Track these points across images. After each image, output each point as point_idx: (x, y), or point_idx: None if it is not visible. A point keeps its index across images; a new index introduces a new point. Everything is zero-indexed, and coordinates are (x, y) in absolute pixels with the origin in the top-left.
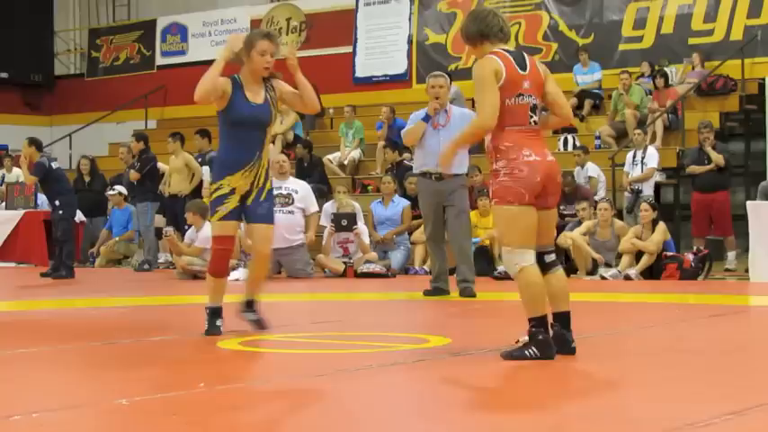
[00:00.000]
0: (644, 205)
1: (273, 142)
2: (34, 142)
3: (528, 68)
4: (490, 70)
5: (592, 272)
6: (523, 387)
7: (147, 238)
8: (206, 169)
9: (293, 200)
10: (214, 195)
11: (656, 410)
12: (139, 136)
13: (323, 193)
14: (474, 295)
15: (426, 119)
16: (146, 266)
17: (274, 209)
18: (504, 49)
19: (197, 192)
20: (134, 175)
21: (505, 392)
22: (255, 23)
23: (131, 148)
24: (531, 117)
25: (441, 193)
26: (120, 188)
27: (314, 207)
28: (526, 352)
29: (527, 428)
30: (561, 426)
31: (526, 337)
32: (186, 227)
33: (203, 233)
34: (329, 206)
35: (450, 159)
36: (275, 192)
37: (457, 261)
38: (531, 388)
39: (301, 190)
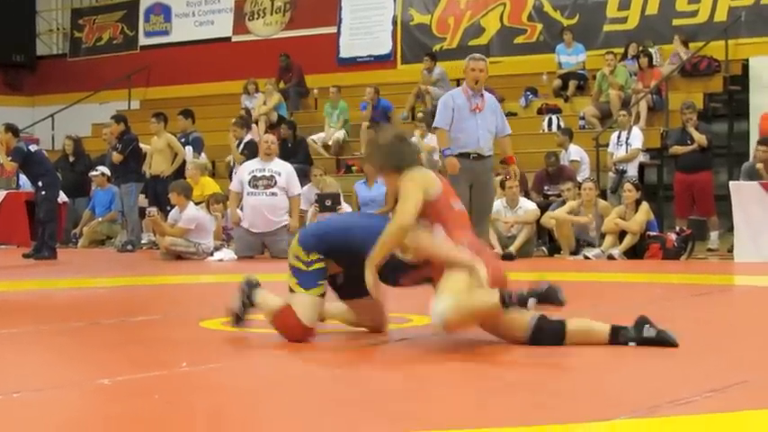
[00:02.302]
0: (627, 185)
1: (257, 123)
2: (10, 128)
3: None
4: (421, 178)
5: (575, 252)
6: (502, 366)
7: (131, 219)
8: (189, 149)
9: (276, 182)
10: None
11: (637, 388)
12: (118, 118)
13: (307, 174)
14: None
15: (446, 154)
16: (129, 247)
17: (257, 191)
18: None
19: (180, 172)
20: (117, 157)
21: (483, 371)
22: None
23: (111, 130)
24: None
25: (476, 172)
26: (103, 169)
27: (297, 189)
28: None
29: (505, 407)
30: (541, 404)
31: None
32: (169, 207)
33: (187, 214)
34: (307, 190)
35: (375, 285)
36: (258, 174)
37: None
38: (510, 367)
39: (284, 172)
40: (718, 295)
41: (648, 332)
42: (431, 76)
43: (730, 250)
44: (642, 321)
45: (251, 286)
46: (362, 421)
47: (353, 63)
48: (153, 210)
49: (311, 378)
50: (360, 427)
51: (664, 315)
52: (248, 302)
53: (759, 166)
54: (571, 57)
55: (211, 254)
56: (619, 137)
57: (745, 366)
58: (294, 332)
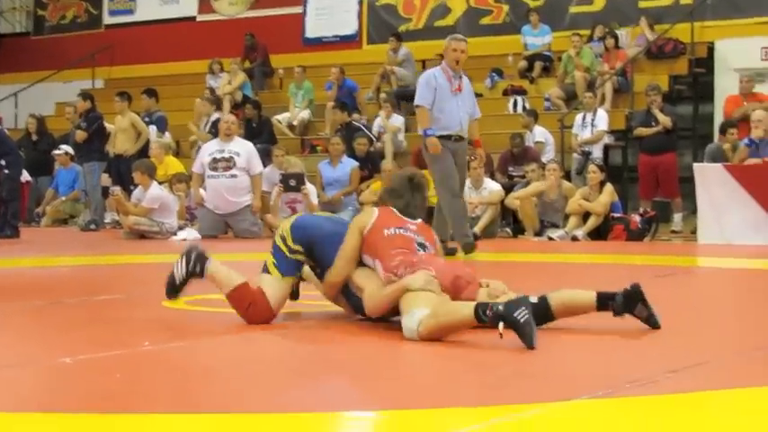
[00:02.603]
0: (592, 167)
1: (221, 102)
2: None
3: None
4: (358, 219)
5: (539, 233)
6: (466, 346)
7: (94, 198)
8: (153, 128)
9: (235, 163)
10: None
11: (597, 369)
12: (85, 95)
13: (271, 155)
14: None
15: (427, 135)
16: (92, 226)
17: (217, 173)
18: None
19: (143, 152)
20: (81, 135)
21: (448, 351)
22: None
23: (77, 107)
24: (419, 250)
25: (457, 154)
26: (66, 148)
27: (258, 168)
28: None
29: (466, 387)
30: (500, 384)
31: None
32: (132, 186)
33: (150, 193)
34: (269, 171)
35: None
36: (218, 156)
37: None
38: (473, 347)
39: (243, 151)
40: (680, 276)
41: (640, 312)
42: (396, 56)
43: (694, 232)
44: (635, 295)
45: (201, 256)
46: (328, 399)
47: (319, 43)
48: (116, 189)
49: (277, 356)
50: (326, 405)
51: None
52: (197, 272)
53: (726, 146)
54: (537, 38)
55: (175, 233)
56: (584, 118)
57: (706, 347)
58: (260, 315)
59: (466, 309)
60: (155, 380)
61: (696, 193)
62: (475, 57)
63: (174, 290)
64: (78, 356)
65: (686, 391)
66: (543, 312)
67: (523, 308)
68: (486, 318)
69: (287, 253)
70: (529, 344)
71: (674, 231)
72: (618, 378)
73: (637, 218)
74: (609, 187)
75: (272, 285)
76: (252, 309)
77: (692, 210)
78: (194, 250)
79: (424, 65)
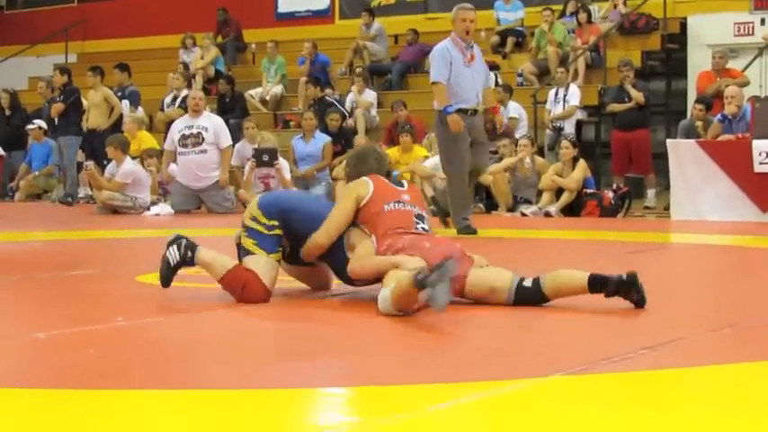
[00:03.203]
0: (564, 143)
1: (194, 77)
2: None
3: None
4: (354, 186)
5: (512, 208)
6: (442, 323)
7: (71, 173)
8: (125, 103)
9: (203, 138)
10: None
11: (572, 346)
12: (63, 69)
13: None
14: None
15: (447, 112)
16: (69, 200)
17: (186, 150)
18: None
19: (116, 126)
20: (58, 107)
21: (423, 328)
22: None
23: (54, 81)
24: (418, 224)
25: (475, 129)
26: (39, 122)
27: (226, 141)
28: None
29: (440, 363)
30: (476, 361)
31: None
32: (106, 161)
33: (124, 168)
34: (241, 146)
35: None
36: (187, 132)
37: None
38: (449, 324)
39: (212, 126)
40: (654, 253)
41: (631, 296)
42: (369, 31)
43: (667, 208)
44: (630, 284)
45: (190, 244)
46: (303, 375)
47: (291, 18)
48: (90, 164)
49: (251, 332)
50: (301, 381)
51: (598, 272)
52: (189, 259)
53: (698, 123)
54: (509, 13)
55: (148, 208)
56: (556, 94)
57: (680, 324)
58: (255, 294)
59: (408, 276)
60: (128, 356)
61: (669, 169)
62: (447, 32)
63: (168, 278)
64: (52, 332)
65: (661, 368)
66: (537, 294)
67: (441, 270)
68: (417, 284)
69: (264, 231)
70: (433, 307)
71: (647, 207)
72: (593, 355)
73: (610, 194)
74: (582, 163)
75: (261, 264)
76: (246, 289)
77: (665, 186)
78: (182, 238)
79: (397, 40)
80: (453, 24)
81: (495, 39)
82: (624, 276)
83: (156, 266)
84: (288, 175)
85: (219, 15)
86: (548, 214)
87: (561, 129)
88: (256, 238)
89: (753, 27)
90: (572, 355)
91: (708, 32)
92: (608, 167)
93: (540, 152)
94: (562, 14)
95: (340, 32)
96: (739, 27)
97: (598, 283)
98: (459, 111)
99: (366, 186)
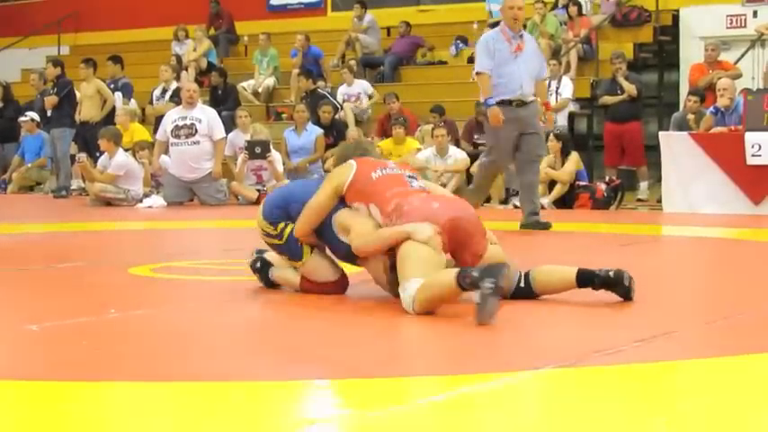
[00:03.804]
0: (551, 136)
1: (186, 69)
2: None
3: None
4: (335, 172)
5: (505, 201)
6: (435, 316)
7: (65, 165)
8: (118, 95)
9: (197, 129)
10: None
11: (565, 338)
12: (56, 61)
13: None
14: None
15: (488, 105)
16: (63, 192)
17: (179, 141)
18: None
19: (109, 119)
20: (52, 100)
21: (416, 320)
22: None
23: (47, 73)
24: (412, 182)
25: (522, 120)
26: (32, 114)
27: (220, 133)
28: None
29: (432, 356)
30: (468, 353)
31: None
32: (98, 154)
33: (116, 160)
34: (234, 136)
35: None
36: (180, 123)
37: (526, 189)
38: (442, 317)
39: (205, 118)
40: (646, 245)
41: (619, 290)
42: (361, 23)
43: (659, 200)
44: (617, 281)
45: (263, 267)
46: (294, 367)
47: (284, 10)
48: (82, 156)
49: (244, 324)
50: (291, 373)
51: (592, 264)
52: (268, 283)
53: (690, 117)
54: (501, 5)
55: (141, 200)
56: (549, 86)
57: (672, 317)
58: (326, 289)
59: (449, 276)
60: (121, 347)
61: (661, 161)
62: (439, 24)
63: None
64: (44, 324)
65: (654, 360)
66: (525, 290)
67: (492, 279)
68: (465, 285)
69: (280, 242)
70: (479, 319)
71: (639, 200)
72: (585, 347)
73: (602, 186)
74: (574, 155)
75: (308, 270)
76: (322, 290)
77: (657, 178)
78: (257, 270)
79: (389, 32)
80: (502, 12)
81: (488, 31)
82: (612, 273)
83: (149, 258)
84: (280, 168)
85: (212, 7)
86: (540, 207)
87: (554, 121)
88: (284, 251)
89: (745, 19)
90: (564, 347)
91: (700, 25)
92: (600, 160)
93: None
94: (554, 7)
95: (332, 25)
96: (732, 19)
97: (586, 279)
98: (503, 102)
99: (348, 168)
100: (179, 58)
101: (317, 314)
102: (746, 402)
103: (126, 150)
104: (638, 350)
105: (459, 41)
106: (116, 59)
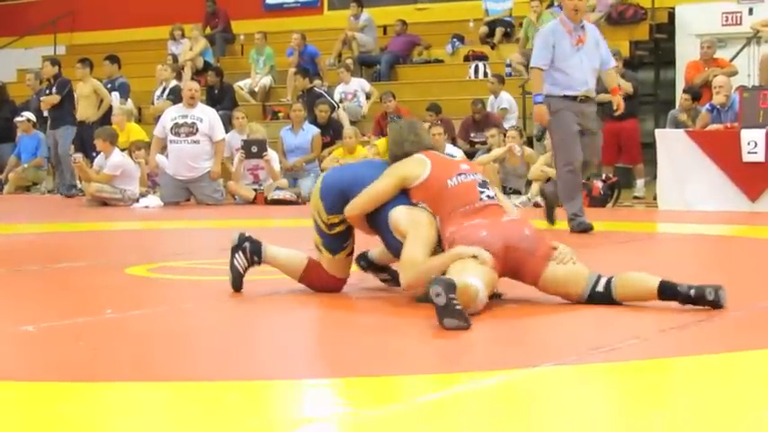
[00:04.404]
0: (547, 134)
1: (183, 69)
2: None
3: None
4: (401, 166)
5: None
6: (426, 314)
7: (67, 163)
8: (115, 95)
9: (197, 128)
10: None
11: (563, 336)
12: (53, 60)
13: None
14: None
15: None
16: (73, 191)
17: (179, 139)
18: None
19: (106, 118)
20: (53, 99)
21: (407, 319)
22: None
23: (44, 71)
24: (483, 192)
25: (585, 116)
26: (28, 114)
27: (220, 134)
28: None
29: (428, 354)
30: (465, 352)
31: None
32: (95, 153)
33: (112, 160)
34: (230, 137)
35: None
36: (180, 121)
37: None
38: (432, 317)
39: (206, 117)
40: (642, 243)
41: (709, 295)
42: (357, 22)
43: (656, 198)
44: (699, 298)
45: (255, 249)
46: (289, 367)
47: (280, 9)
48: (78, 156)
49: (240, 324)
50: (286, 372)
51: (588, 262)
52: (256, 261)
53: (682, 116)
54: (498, 3)
55: (137, 200)
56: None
57: (668, 314)
58: (328, 285)
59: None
60: (117, 348)
61: (657, 158)
62: (436, 22)
63: (239, 284)
64: (41, 324)
65: (650, 358)
66: (608, 299)
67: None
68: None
69: (326, 230)
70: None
71: (636, 197)
72: (582, 345)
73: (599, 184)
74: None
75: (329, 265)
76: (323, 284)
77: (654, 176)
78: (245, 241)
79: (386, 30)
80: (562, 3)
81: (484, 29)
82: (692, 293)
83: (146, 258)
84: (277, 167)
85: (208, 7)
86: (537, 204)
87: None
88: (321, 236)
89: (741, 17)
90: (560, 345)
91: (696, 22)
92: None
93: (529, 142)
94: (550, 5)
95: (328, 23)
96: (727, 17)
97: (669, 293)
98: (566, 97)
99: (421, 165)
100: (175, 58)
101: (313, 314)
102: (742, 399)
103: (122, 150)
104: (635, 348)
105: (455, 40)
106: (113, 59)
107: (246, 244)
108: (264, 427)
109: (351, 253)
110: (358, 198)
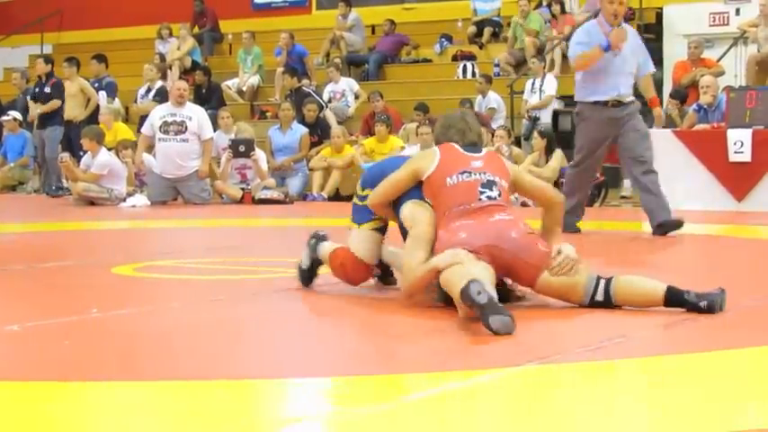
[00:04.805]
0: (535, 133)
1: (171, 68)
2: None
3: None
4: (417, 157)
5: None
6: (422, 314)
7: (54, 165)
8: (102, 94)
9: (187, 127)
10: None
11: (548, 335)
12: (47, 58)
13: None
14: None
15: (607, 48)
16: (60, 192)
17: (167, 137)
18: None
19: (93, 117)
20: (55, 104)
21: (396, 319)
22: None
23: (37, 69)
24: (483, 193)
25: (617, 121)
26: (14, 113)
27: (209, 133)
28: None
29: (417, 354)
30: (450, 351)
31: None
32: (82, 153)
33: (99, 159)
34: (217, 136)
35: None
36: (169, 119)
37: (648, 196)
38: (426, 315)
39: (195, 116)
40: (630, 242)
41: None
42: (346, 21)
43: None
44: (707, 309)
45: (318, 240)
46: (278, 365)
47: (268, 8)
48: (65, 155)
49: (227, 323)
50: (275, 371)
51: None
52: (318, 261)
53: (674, 112)
54: (486, 3)
55: (124, 199)
56: (533, 84)
57: (655, 314)
58: (355, 271)
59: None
60: (103, 347)
61: None
62: (424, 22)
63: (306, 280)
64: (26, 324)
65: (636, 357)
66: (608, 305)
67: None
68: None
69: (358, 202)
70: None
71: (623, 197)
72: (567, 344)
73: None
74: (558, 153)
75: (354, 238)
76: (346, 269)
77: None
78: (314, 238)
79: (374, 30)
80: (601, 6)
81: (472, 29)
82: (703, 305)
83: (132, 258)
84: (265, 166)
85: (196, 6)
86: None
87: (537, 119)
88: (353, 212)
89: (728, 17)
90: (547, 344)
91: (683, 22)
92: None
93: (517, 142)
94: (539, 5)
95: (317, 23)
96: (714, 17)
97: (675, 301)
98: (597, 104)
99: (431, 158)
100: (163, 57)
101: (302, 312)
102: (730, 396)
103: (109, 149)
104: (621, 346)
105: (443, 39)
106: (100, 58)
107: (313, 239)
108: (253, 426)
109: (379, 230)
110: (379, 186)
